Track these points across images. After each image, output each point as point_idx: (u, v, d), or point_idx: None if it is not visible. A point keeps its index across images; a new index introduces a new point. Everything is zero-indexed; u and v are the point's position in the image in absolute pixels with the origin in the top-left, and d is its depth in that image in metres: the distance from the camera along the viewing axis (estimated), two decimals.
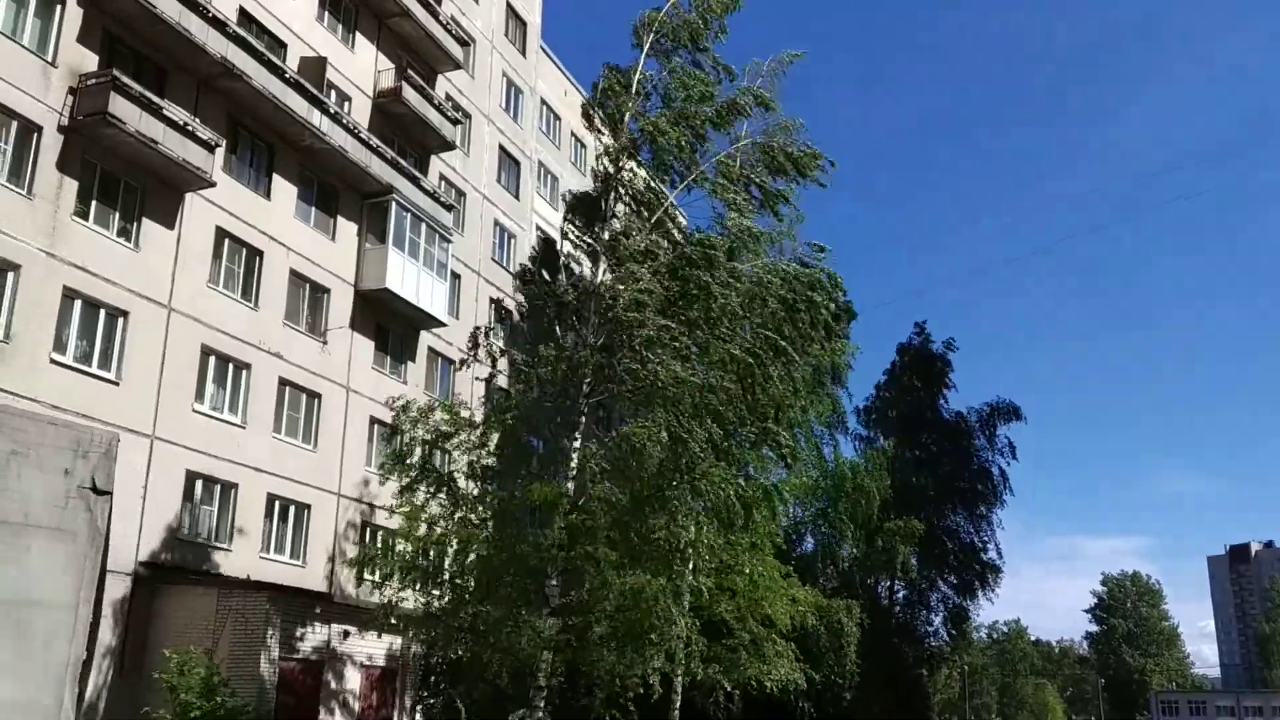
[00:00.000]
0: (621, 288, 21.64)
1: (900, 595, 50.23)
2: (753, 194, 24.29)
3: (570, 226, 25.06)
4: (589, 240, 23.80)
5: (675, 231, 24.84)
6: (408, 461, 24.27)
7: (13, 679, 6.08)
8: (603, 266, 23.41)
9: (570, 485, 22.05)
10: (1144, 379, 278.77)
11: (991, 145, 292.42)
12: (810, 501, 40.66)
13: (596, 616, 20.45)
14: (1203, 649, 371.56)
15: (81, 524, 6.61)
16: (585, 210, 25.07)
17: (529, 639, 20.39)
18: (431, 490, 23.87)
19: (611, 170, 23.92)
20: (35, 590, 6.33)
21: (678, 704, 30.21)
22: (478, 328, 27.06)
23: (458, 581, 23.78)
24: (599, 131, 24.78)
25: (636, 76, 23.86)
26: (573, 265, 24.68)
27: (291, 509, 29.88)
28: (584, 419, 22.66)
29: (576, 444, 22.48)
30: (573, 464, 22.28)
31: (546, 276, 24.67)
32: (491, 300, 39.76)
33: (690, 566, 23.81)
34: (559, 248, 25.15)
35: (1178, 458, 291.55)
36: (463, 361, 27.01)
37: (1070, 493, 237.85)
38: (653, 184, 24.60)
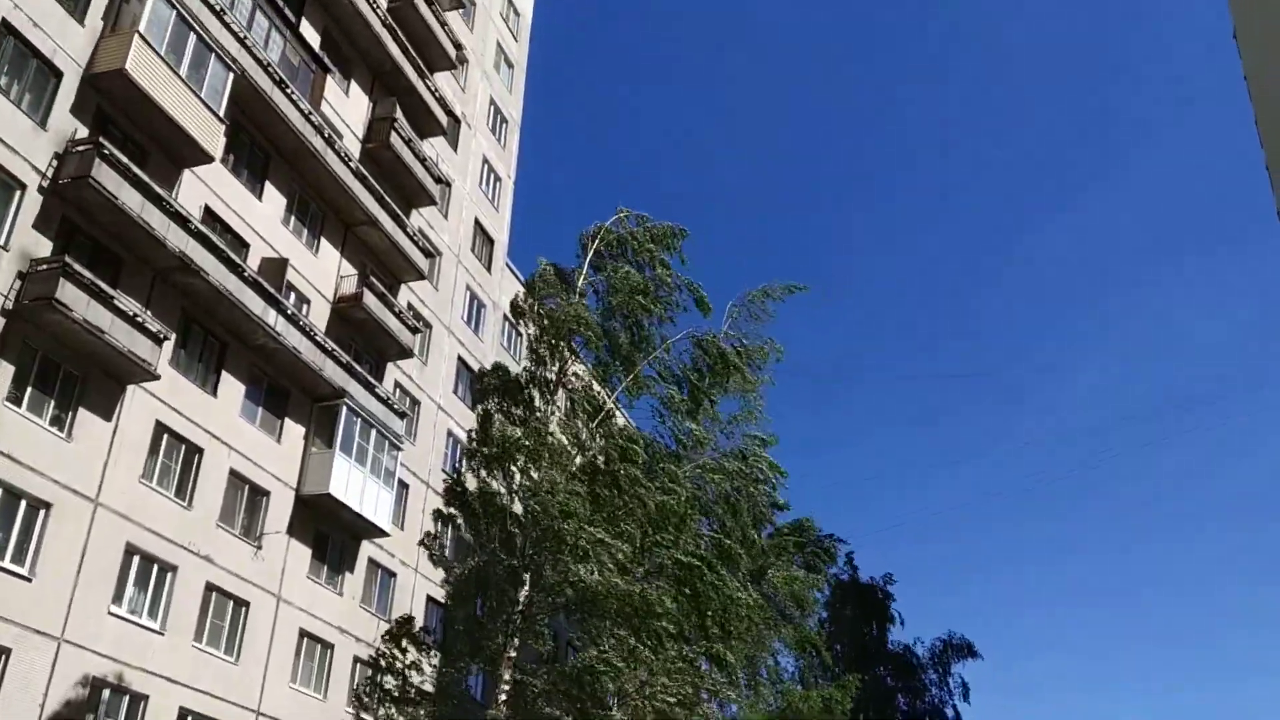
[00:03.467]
0: (548, 493, 20.94)
1: None
2: (684, 392, 24.10)
3: (498, 411, 24.46)
4: (512, 428, 23.25)
5: (613, 433, 24.36)
6: None
7: None
8: (526, 464, 22.77)
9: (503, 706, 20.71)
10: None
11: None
12: None
13: None
14: None
15: None
16: (510, 395, 24.56)
17: None
18: None
19: (535, 364, 23.68)
20: None
21: None
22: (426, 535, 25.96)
23: None
24: (529, 322, 24.71)
25: (580, 280, 23.97)
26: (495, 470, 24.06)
27: None
28: (517, 639, 21.54)
29: (512, 653, 21.28)
30: (505, 678, 21.00)
31: (471, 485, 23.93)
32: (437, 512, 38.66)
33: None
34: (477, 439, 24.45)
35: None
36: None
37: None
38: (594, 385, 24.36)
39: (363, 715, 22.16)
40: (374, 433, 33.80)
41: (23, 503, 23.39)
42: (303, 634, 31.44)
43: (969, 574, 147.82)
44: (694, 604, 20.86)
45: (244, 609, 29.39)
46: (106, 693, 24.97)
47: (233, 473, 29.45)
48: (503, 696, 20.79)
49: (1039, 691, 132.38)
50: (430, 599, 36.71)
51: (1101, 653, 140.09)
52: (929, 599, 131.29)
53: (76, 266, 23.94)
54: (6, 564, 22.87)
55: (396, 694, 22.18)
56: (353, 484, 32.77)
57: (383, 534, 34.24)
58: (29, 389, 23.93)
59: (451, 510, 23.98)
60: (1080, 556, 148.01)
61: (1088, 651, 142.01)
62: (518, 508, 22.98)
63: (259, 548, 30.08)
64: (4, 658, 22.48)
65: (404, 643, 23.57)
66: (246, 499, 30.10)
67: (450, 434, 40.70)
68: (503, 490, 22.89)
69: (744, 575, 24.51)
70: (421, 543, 26.15)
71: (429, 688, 24.34)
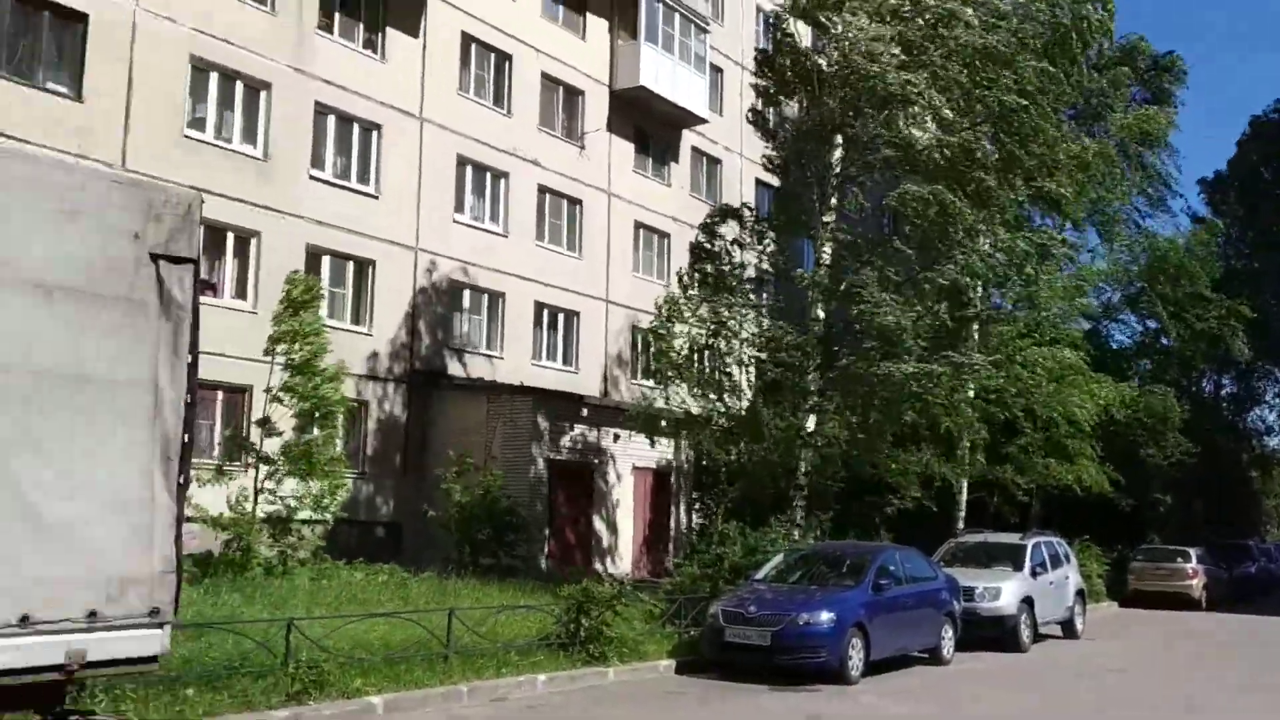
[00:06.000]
0: (865, 42, 19.17)
1: (1227, 390, 45.48)
2: None
3: None
4: None
5: None
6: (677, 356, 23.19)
7: (91, 463, 5.36)
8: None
9: (824, 272, 20.49)
10: None
11: None
12: (1121, 285, 36.77)
13: (855, 405, 19.17)
14: None
15: (152, 294, 5.80)
16: None
17: (786, 436, 19.43)
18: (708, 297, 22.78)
19: None
20: (104, 367, 5.58)
21: (963, 505, 28.60)
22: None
23: (729, 381, 23.05)
24: None
25: None
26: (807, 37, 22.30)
27: (560, 316, 29.92)
28: (834, 196, 20.86)
29: (829, 219, 20.79)
30: (825, 250, 20.65)
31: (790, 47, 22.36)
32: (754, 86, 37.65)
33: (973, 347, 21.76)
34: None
35: None
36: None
37: None
38: None
39: (688, 293, 22.68)
40: (678, 17, 32.62)
41: (355, 127, 24.75)
42: (638, 225, 32.47)
43: None
44: (1019, 145, 19.12)
45: (578, 207, 30.53)
46: (467, 293, 27.19)
47: (544, 75, 29.64)
48: (825, 262, 20.55)
49: None
50: (759, 182, 36.46)
51: None
52: None
53: None
54: (353, 184, 24.62)
55: (713, 279, 22.38)
56: (664, 73, 32.20)
57: (701, 121, 33.90)
58: (337, 15, 24.60)
59: (765, 79, 22.77)
60: None
61: None
62: (830, 68, 21.40)
63: (582, 147, 30.67)
64: (371, 269, 24.74)
65: (719, 229, 23.50)
66: (562, 100, 30.42)
67: (759, 10, 38.67)
68: (817, 45, 21.40)
69: (1075, 119, 22.10)
70: (747, 118, 25.36)
71: (752, 271, 24.50)
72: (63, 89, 19.60)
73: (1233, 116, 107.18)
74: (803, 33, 23.70)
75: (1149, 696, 14.04)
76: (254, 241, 22.42)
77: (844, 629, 13.97)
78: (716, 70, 35.58)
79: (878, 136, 19.70)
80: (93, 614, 5.90)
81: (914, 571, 16.62)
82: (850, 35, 19.43)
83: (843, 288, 20.13)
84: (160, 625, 6.24)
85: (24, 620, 5.60)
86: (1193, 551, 30.65)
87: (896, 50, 18.94)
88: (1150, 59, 39.01)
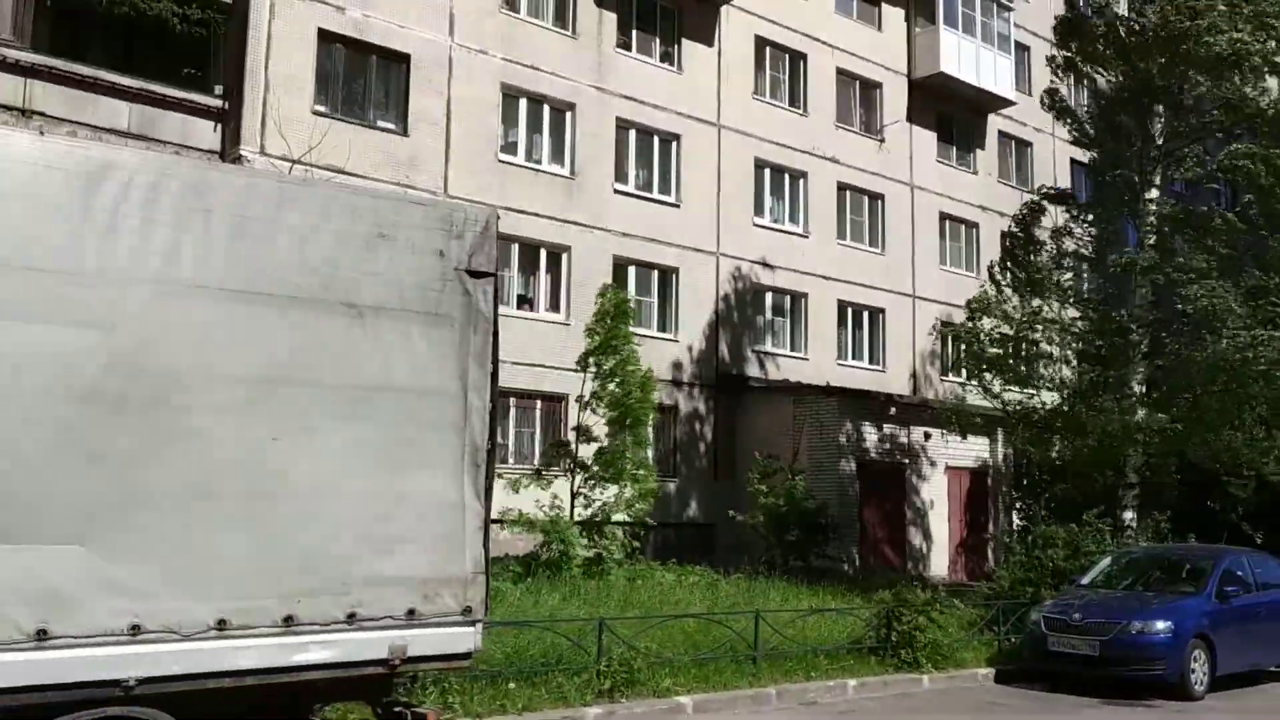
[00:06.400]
0: None
1: None
2: None
3: None
4: None
5: None
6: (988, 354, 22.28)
7: (407, 471, 5.80)
8: None
9: (1149, 252, 18.99)
10: None
11: None
12: None
13: (1186, 393, 17.61)
14: None
15: (458, 308, 6.18)
16: None
17: (1111, 430, 18.13)
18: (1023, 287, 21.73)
19: None
20: (416, 379, 6.01)
21: None
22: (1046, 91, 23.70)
23: (1047, 374, 21.91)
24: None
25: None
26: None
27: (865, 314, 29.40)
28: (1158, 169, 19.29)
29: (1153, 195, 19.24)
30: (1150, 221, 19.11)
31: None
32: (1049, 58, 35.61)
33: None
34: None
35: None
36: None
37: None
38: None
39: (1000, 289, 21.59)
40: None
41: (655, 139, 25.38)
42: (943, 217, 31.43)
43: None
44: None
45: (879, 202, 29.90)
46: (769, 295, 27.24)
47: (840, 71, 29.26)
48: (1150, 241, 19.02)
49: None
50: (1074, 162, 34.30)
51: None
52: None
53: None
54: (655, 194, 25.25)
55: (1027, 271, 21.18)
56: (965, 56, 31.00)
57: (1007, 103, 32.38)
58: (634, 32, 25.34)
59: (1068, 50, 21.41)
60: None
61: None
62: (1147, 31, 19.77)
63: (882, 140, 30.02)
64: (674, 276, 25.27)
65: (1039, 216, 22.24)
66: (859, 94, 29.92)
67: None
68: (1133, 5, 19.86)
69: None
70: (1041, 100, 24.03)
71: (1081, 252, 23.07)
72: (390, 125, 21.30)
73: None
74: None
75: None
76: (564, 256, 23.44)
77: (1184, 640, 12.84)
78: (1022, 49, 33.84)
79: (1203, 99, 18.02)
80: (411, 612, 6.31)
81: (1267, 578, 15.02)
82: None
83: (1170, 270, 18.55)
84: (473, 624, 6.59)
85: (351, 618, 6.08)
86: None
87: (1222, 7, 17.25)
88: None
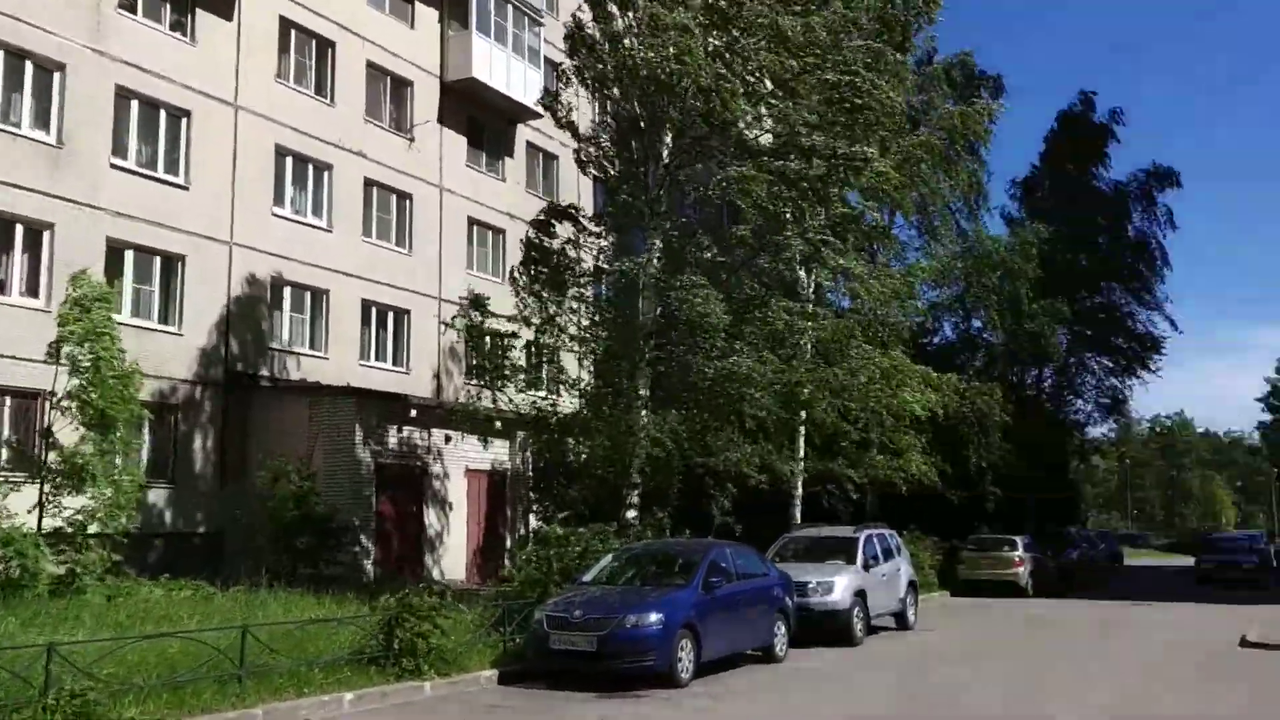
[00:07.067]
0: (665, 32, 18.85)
1: (1049, 382, 47.21)
2: None
3: None
4: None
5: None
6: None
7: None
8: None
9: (656, 264, 20.14)
10: None
11: None
12: (946, 282, 37.59)
13: (682, 402, 18.90)
14: None
15: None
16: None
17: (617, 433, 18.97)
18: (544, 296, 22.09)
19: None
20: None
21: (798, 501, 28.68)
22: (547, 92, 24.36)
23: (562, 379, 22.56)
24: None
25: None
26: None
27: (390, 315, 28.80)
28: (663, 187, 20.56)
29: (661, 209, 20.51)
30: (656, 241, 20.30)
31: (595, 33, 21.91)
32: (560, 71, 37.21)
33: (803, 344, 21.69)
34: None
35: None
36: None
37: (1242, 278, 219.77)
38: None
39: (521, 294, 22.02)
40: (510, 8, 31.83)
41: (162, 112, 23.19)
42: (471, 221, 31.60)
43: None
44: (847, 115, 19.13)
45: (408, 201, 29.46)
46: (287, 290, 25.83)
47: (370, 64, 28.48)
48: (655, 258, 20.13)
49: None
50: (597, 178, 35.89)
51: None
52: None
53: None
54: (161, 174, 23.06)
55: (545, 276, 21.78)
56: (496, 65, 31.40)
57: (536, 115, 32.91)
58: None
59: (575, 62, 22.19)
60: None
61: None
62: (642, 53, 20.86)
63: (412, 139, 29.61)
64: (180, 264, 23.21)
65: (553, 227, 22.88)
66: (390, 90, 29.32)
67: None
68: (626, 27, 20.89)
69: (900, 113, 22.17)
70: (540, 102, 24.71)
71: (590, 266, 23.95)
72: None
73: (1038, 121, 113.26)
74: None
75: (973, 681, 14.04)
76: (47, 234, 20.71)
77: (673, 630, 13.49)
78: (552, 64, 34.79)
79: (697, 124, 19.46)
80: None
81: (746, 568, 16.28)
82: (649, 19, 19.20)
83: (677, 281, 19.73)
84: None
85: None
86: (1019, 540, 31.69)
87: (703, 36, 18.78)
88: (972, 72, 40.67)
